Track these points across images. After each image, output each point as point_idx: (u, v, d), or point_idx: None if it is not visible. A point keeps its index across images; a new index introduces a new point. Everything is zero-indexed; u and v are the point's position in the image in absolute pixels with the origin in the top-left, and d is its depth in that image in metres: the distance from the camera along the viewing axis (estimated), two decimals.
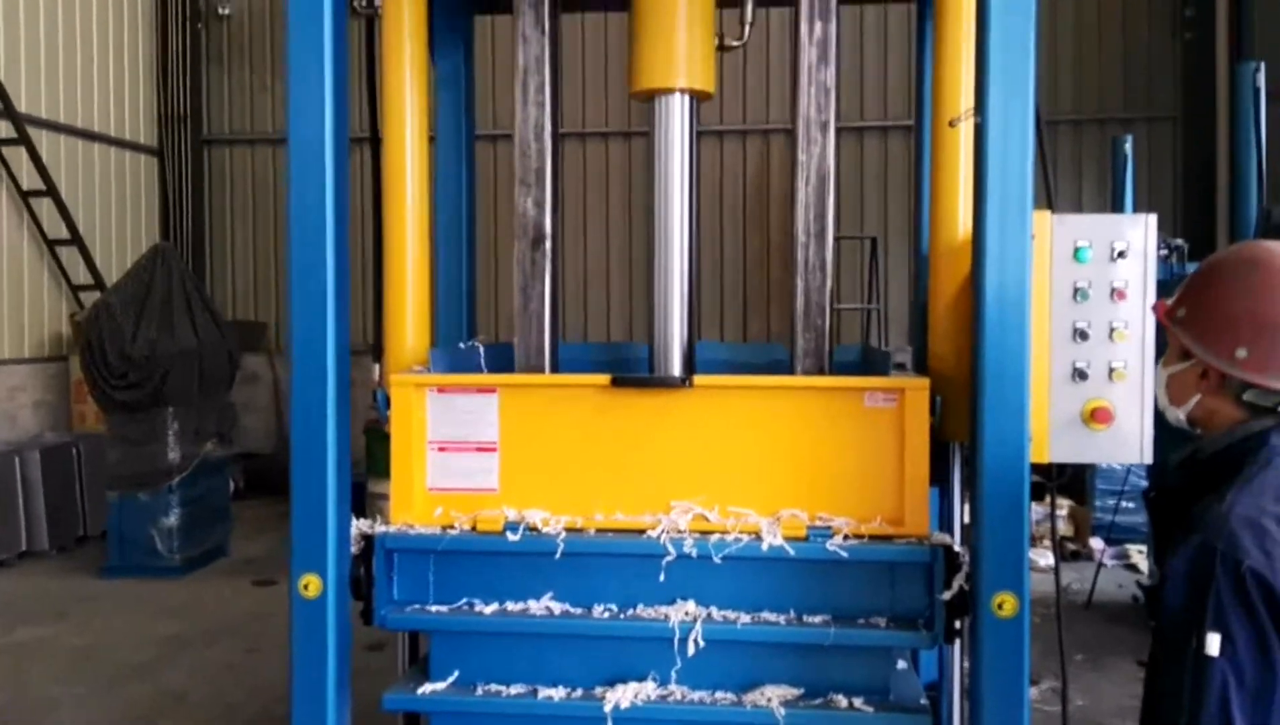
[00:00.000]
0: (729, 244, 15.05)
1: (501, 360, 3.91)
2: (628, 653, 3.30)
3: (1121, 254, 3.35)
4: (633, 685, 3.25)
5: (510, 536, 3.29)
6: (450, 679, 3.40)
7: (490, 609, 3.35)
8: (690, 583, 3.26)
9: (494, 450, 3.42)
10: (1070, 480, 11.44)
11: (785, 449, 3.31)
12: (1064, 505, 10.96)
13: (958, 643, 3.36)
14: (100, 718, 7.04)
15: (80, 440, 12.03)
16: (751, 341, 14.27)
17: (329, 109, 3.14)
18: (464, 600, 3.39)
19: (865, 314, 14.05)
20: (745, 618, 3.24)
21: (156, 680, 7.72)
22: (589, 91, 14.90)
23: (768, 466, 3.32)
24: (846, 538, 3.19)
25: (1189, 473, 2.57)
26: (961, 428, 3.39)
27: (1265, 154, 8.20)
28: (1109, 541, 10.23)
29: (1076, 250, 3.36)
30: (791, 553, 3.18)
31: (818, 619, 3.23)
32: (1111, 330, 3.35)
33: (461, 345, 4.15)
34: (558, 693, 3.30)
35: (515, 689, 3.35)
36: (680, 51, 3.51)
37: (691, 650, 3.18)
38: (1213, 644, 2.16)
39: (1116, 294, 3.36)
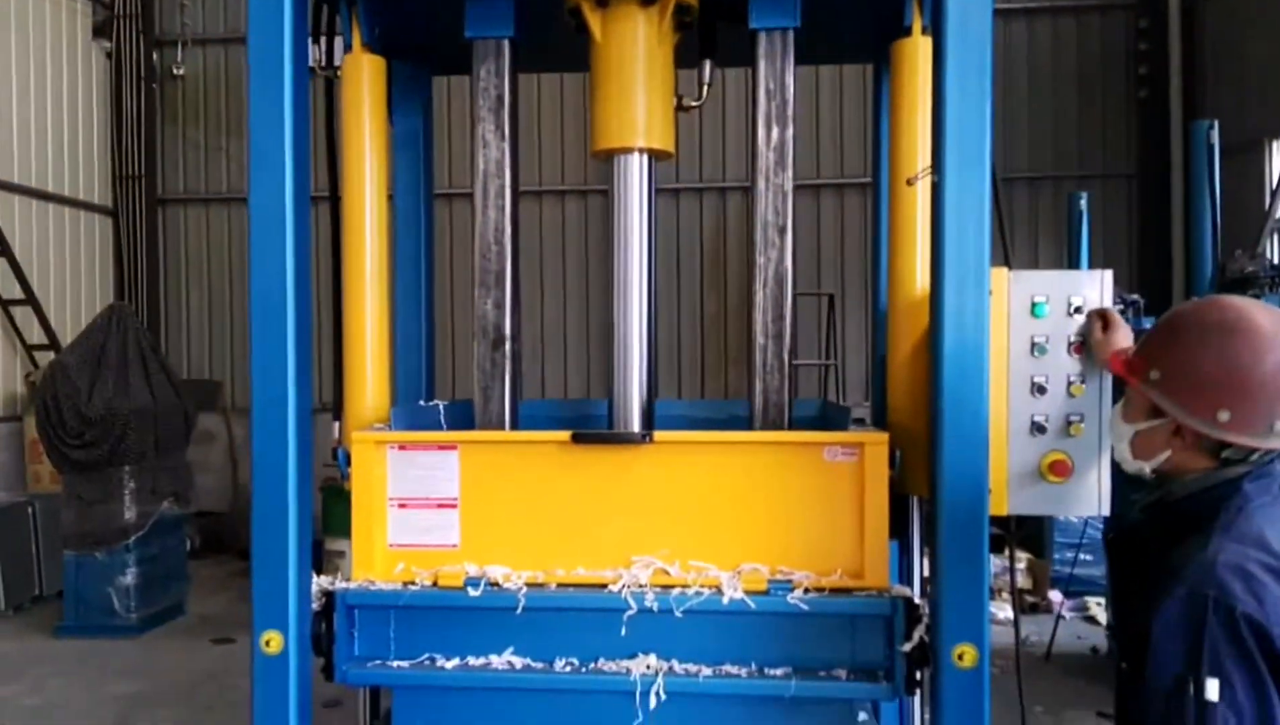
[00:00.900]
0: (685, 303, 15.07)
1: (462, 417, 3.91)
2: (590, 706, 3.28)
3: (1078, 309, 3.39)
4: None
5: (471, 592, 3.29)
6: None
7: (452, 664, 3.33)
8: (652, 636, 3.26)
9: (455, 506, 3.42)
10: (1028, 534, 11.51)
11: (745, 503, 3.32)
12: (1022, 558, 11.00)
13: (918, 694, 3.37)
14: None
15: (35, 500, 11.91)
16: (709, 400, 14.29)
17: (289, 169, 3.16)
18: (425, 655, 3.37)
19: (823, 370, 14.08)
20: (707, 670, 3.23)
21: None
22: (545, 148, 14.95)
23: (728, 521, 3.33)
24: (807, 591, 3.20)
25: (1155, 516, 2.60)
26: (921, 481, 3.41)
27: (1220, 210, 8.36)
28: (1067, 594, 10.28)
29: (1034, 305, 3.40)
30: (753, 606, 3.18)
31: (779, 671, 3.23)
32: (1069, 383, 3.40)
33: (422, 403, 4.15)
34: None
35: None
36: (640, 112, 3.54)
37: (654, 703, 3.18)
38: (1212, 689, 2.19)
39: (1074, 348, 3.41)
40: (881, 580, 3.25)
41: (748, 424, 3.63)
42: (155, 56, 15.77)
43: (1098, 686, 8.34)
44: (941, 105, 3.02)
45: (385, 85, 3.88)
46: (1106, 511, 3.43)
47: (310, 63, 3.51)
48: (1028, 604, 10.79)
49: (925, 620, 3.10)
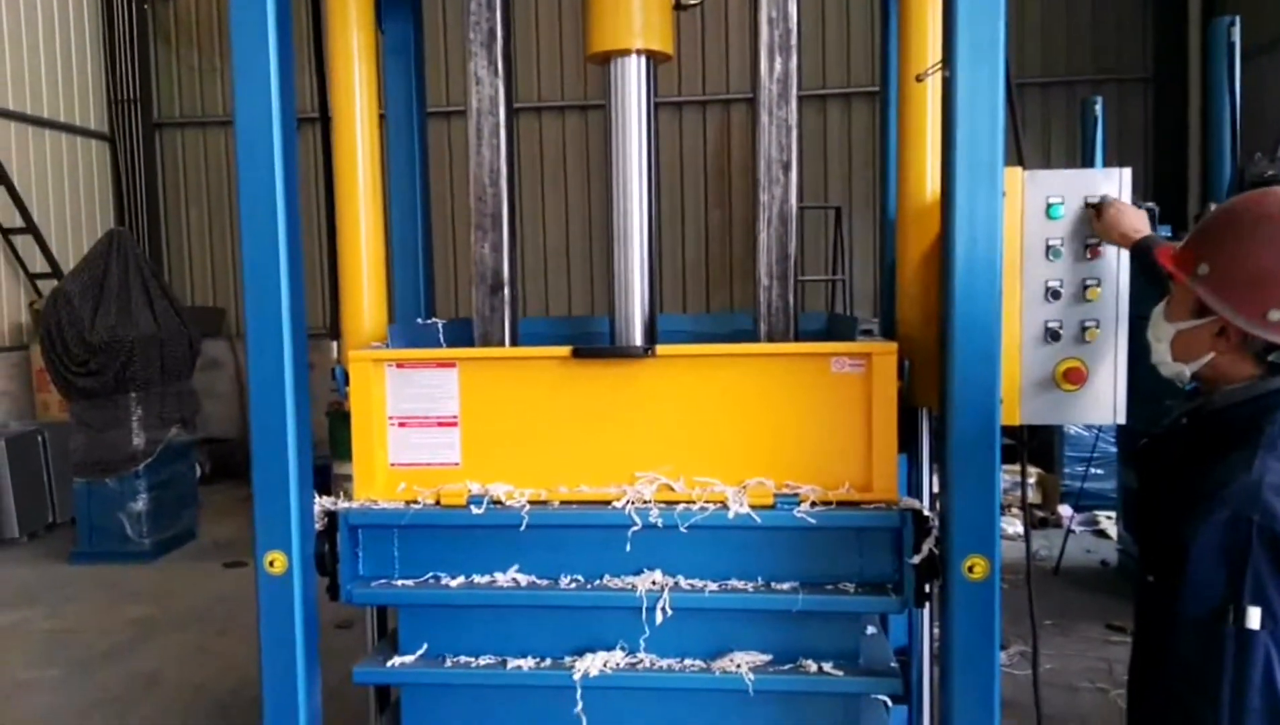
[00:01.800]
0: (690, 219, 14.96)
1: (462, 335, 3.85)
2: (596, 622, 3.26)
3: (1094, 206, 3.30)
4: (601, 654, 3.21)
5: (474, 510, 3.25)
6: (419, 652, 3.36)
7: (457, 582, 3.31)
8: (657, 553, 3.22)
9: (455, 425, 3.37)
10: (1038, 447, 11.49)
11: (751, 417, 3.27)
12: (1032, 473, 11.00)
13: (928, 607, 3.33)
14: (73, 700, 7.03)
15: (45, 428, 12.01)
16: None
17: (275, 87, 3.03)
18: (430, 574, 3.34)
19: (830, 286, 13.99)
20: (713, 586, 3.20)
21: (128, 663, 7.72)
22: (544, 63, 14.76)
23: (733, 435, 3.27)
24: (814, 504, 3.15)
25: (1192, 425, 2.50)
26: (930, 393, 3.34)
27: (1240, 112, 8.14)
28: (1077, 508, 10.28)
29: (1049, 206, 3.32)
30: (759, 521, 3.14)
31: (786, 586, 3.20)
32: (1085, 288, 3.32)
33: (420, 321, 4.09)
34: (527, 663, 3.27)
35: (484, 660, 3.31)
36: (636, 11, 3.42)
37: (659, 619, 3.14)
38: (1254, 618, 2.10)
39: (1090, 251, 3.33)
40: (890, 493, 3.19)
41: (753, 337, 3.56)
42: None
43: (1107, 599, 8.37)
44: (953, 3, 2.89)
45: None
46: (1122, 419, 3.36)
47: None
48: (1037, 518, 10.80)
49: (934, 533, 3.05)
